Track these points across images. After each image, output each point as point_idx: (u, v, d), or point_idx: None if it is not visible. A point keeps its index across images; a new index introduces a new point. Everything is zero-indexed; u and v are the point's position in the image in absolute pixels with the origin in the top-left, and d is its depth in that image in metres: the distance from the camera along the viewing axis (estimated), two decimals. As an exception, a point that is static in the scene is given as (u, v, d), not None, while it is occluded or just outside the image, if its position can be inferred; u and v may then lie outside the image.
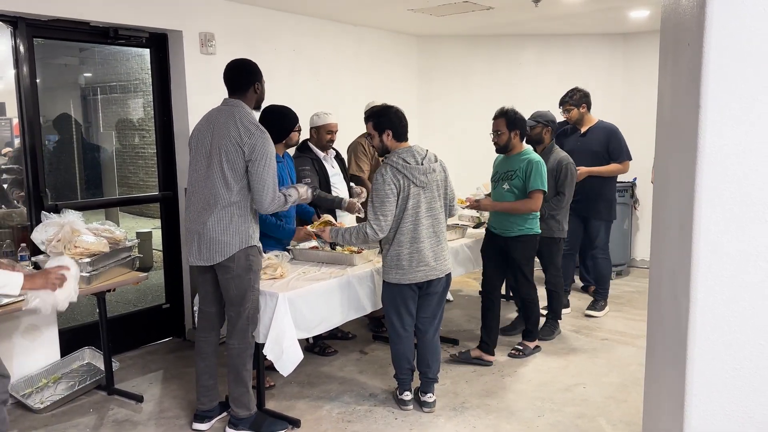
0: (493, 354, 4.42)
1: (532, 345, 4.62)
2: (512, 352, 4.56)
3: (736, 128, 1.57)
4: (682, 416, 1.69)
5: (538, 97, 5.53)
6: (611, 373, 4.30)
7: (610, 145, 5.34)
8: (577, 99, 5.34)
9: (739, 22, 1.53)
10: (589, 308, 5.52)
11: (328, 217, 4.10)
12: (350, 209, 4.45)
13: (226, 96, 3.42)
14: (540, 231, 4.45)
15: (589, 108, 5.41)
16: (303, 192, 3.56)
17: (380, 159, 4.18)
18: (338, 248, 4.09)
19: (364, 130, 5.29)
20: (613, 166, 5.36)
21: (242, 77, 3.39)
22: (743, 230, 1.60)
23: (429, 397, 3.77)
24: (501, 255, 4.44)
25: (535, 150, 4.65)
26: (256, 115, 3.51)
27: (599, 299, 5.56)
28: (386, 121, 3.63)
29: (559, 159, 4.77)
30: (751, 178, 1.58)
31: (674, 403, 1.77)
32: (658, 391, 2.06)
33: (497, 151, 4.42)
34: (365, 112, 3.82)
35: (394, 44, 6.82)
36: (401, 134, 3.64)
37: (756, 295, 1.61)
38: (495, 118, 4.32)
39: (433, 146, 3.89)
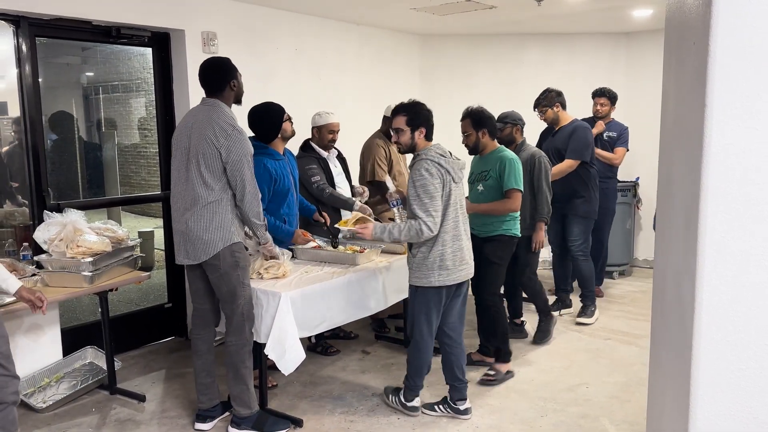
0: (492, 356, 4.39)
1: (504, 368, 4.21)
2: (483, 378, 4.17)
3: (741, 127, 1.56)
4: (686, 416, 1.68)
5: (541, 97, 5.51)
6: (614, 373, 4.29)
7: (569, 142, 5.21)
8: (549, 99, 5.27)
9: (745, 21, 1.52)
10: (579, 315, 5.34)
11: (358, 214, 4.02)
12: (361, 213, 4.44)
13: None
14: (519, 234, 4.24)
15: (563, 107, 5.30)
16: (270, 240, 3.59)
17: (406, 157, 4.13)
18: (340, 247, 4.09)
19: (366, 129, 5.33)
20: (559, 167, 5.17)
21: (217, 77, 3.39)
22: (748, 230, 1.59)
23: (469, 403, 3.71)
24: (480, 256, 4.15)
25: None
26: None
27: (588, 304, 5.35)
28: (422, 118, 3.55)
29: (531, 153, 4.65)
30: (757, 178, 1.57)
31: (679, 404, 1.76)
32: (662, 391, 2.05)
33: (469, 152, 4.26)
34: (393, 107, 3.74)
35: (396, 43, 6.82)
36: (431, 133, 3.62)
37: (761, 295, 1.60)
38: (462, 119, 4.17)
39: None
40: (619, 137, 5.89)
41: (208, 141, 3.24)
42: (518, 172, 4.10)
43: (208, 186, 3.26)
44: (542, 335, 4.84)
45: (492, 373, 4.18)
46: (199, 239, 3.29)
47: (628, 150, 5.96)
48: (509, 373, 4.23)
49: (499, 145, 4.23)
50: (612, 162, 5.83)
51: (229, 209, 3.33)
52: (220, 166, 3.26)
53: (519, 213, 4.24)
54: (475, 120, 4.11)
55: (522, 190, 4.13)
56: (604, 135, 5.84)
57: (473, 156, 4.37)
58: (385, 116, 5.12)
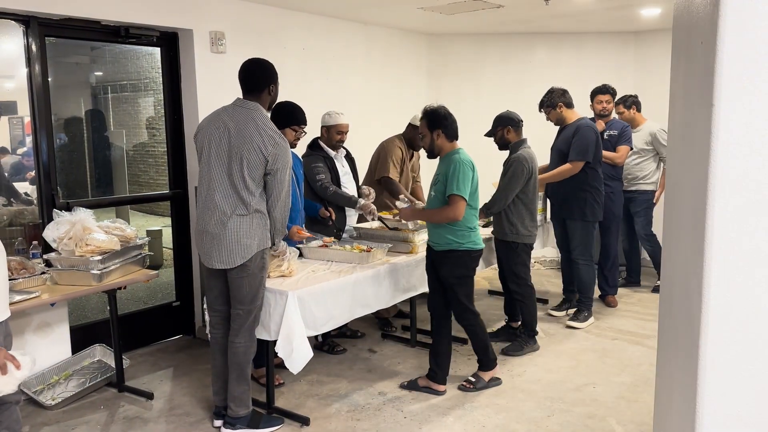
0: (444, 383, 3.98)
1: (487, 377, 4.04)
2: (463, 384, 4.02)
3: (749, 127, 1.55)
4: (693, 417, 1.68)
5: (549, 96, 5.49)
6: (622, 373, 4.28)
7: (572, 143, 5.05)
8: (552, 99, 5.15)
9: (753, 20, 1.51)
10: (570, 319, 5.24)
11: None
12: (363, 210, 4.45)
13: (239, 95, 3.41)
14: (476, 246, 3.86)
15: (568, 106, 5.14)
16: (283, 246, 3.60)
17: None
18: (347, 246, 4.10)
19: (373, 128, 5.34)
20: (559, 169, 5.07)
21: (259, 76, 3.36)
22: (756, 229, 1.58)
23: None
24: (436, 272, 3.95)
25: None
26: None
27: (582, 309, 5.23)
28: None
29: (512, 157, 4.54)
30: (765, 177, 1.56)
31: (686, 404, 1.76)
32: (669, 392, 2.04)
33: (428, 156, 3.98)
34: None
35: (404, 43, 6.82)
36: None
37: (769, 295, 1.60)
38: (420, 120, 3.92)
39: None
40: (620, 135, 5.68)
41: (255, 147, 3.20)
42: (464, 176, 3.71)
43: (251, 191, 3.26)
44: (512, 348, 4.61)
45: (473, 379, 4.03)
46: (238, 244, 3.27)
47: (631, 148, 5.77)
48: (495, 381, 4.07)
49: (458, 146, 3.87)
50: (615, 161, 5.63)
51: (266, 215, 3.35)
52: (262, 172, 3.25)
53: (475, 223, 3.89)
54: (429, 120, 3.84)
55: (465, 197, 3.71)
56: (605, 134, 5.64)
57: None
58: (410, 124, 5.09)
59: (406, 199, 4.44)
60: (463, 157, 3.77)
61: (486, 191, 4.73)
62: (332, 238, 4.25)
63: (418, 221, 4.30)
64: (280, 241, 3.53)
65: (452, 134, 3.84)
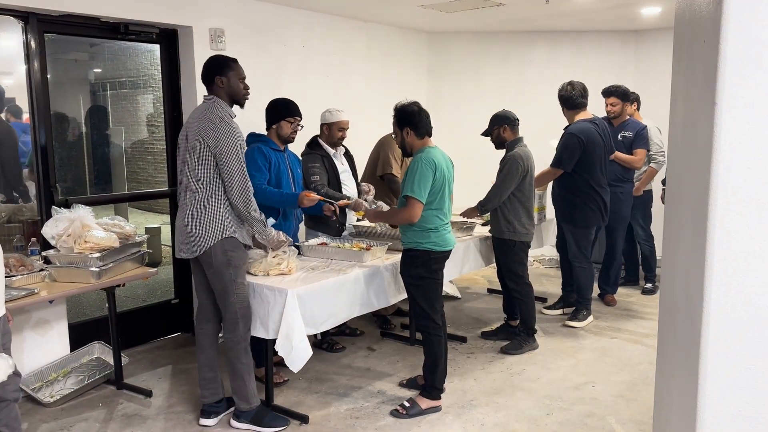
0: (441, 394, 3.78)
1: (425, 404, 3.69)
2: (396, 408, 3.70)
3: (751, 126, 1.55)
4: (694, 416, 1.68)
5: (550, 94, 5.46)
6: (621, 372, 4.28)
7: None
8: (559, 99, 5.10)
9: (756, 19, 1.51)
10: (569, 318, 5.23)
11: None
12: (356, 209, 4.45)
13: None
14: (435, 248, 3.63)
15: (569, 108, 5.02)
16: (273, 235, 3.52)
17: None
18: (347, 244, 4.09)
19: (374, 127, 5.33)
20: (540, 171, 4.99)
21: (205, 72, 3.46)
22: (757, 229, 1.58)
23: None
24: None
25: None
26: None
27: (580, 308, 5.21)
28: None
29: (507, 155, 4.56)
30: (767, 177, 1.56)
31: (686, 403, 1.76)
32: (669, 391, 2.04)
33: (403, 154, 3.90)
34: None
35: (405, 41, 6.81)
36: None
37: (769, 294, 1.60)
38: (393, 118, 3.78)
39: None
40: (636, 137, 5.53)
41: (199, 135, 3.30)
42: (421, 177, 3.50)
43: (200, 180, 3.32)
44: (511, 347, 4.62)
45: (407, 404, 3.70)
46: (192, 234, 3.34)
47: (649, 150, 5.64)
48: (433, 409, 3.71)
49: (429, 145, 3.68)
50: (633, 165, 5.49)
51: (222, 204, 3.35)
52: (211, 158, 3.29)
53: (438, 224, 3.64)
54: (398, 118, 3.69)
55: (419, 198, 3.50)
56: (619, 135, 5.54)
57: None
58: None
59: (376, 200, 4.49)
60: (426, 156, 3.56)
61: (486, 190, 4.75)
62: (335, 242, 4.21)
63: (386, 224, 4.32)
64: (265, 230, 3.47)
65: (422, 132, 3.65)
